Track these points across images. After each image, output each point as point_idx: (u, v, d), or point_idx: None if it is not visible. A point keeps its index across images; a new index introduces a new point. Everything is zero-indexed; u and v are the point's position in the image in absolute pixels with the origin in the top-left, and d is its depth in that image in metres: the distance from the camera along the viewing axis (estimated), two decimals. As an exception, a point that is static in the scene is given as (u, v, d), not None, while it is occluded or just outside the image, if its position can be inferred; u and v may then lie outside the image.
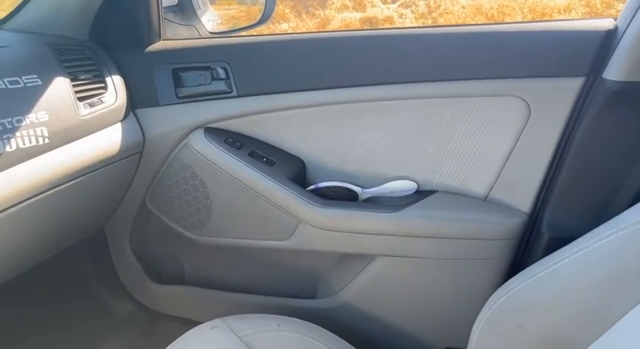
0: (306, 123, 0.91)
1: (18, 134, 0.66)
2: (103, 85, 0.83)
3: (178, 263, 1.11)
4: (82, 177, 0.79)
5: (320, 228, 0.89)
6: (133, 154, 0.90)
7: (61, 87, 0.75)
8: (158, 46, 0.93)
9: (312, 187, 0.93)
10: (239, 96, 0.90)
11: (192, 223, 0.98)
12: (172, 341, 0.77)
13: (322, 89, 0.88)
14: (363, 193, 0.93)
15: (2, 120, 0.65)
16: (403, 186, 0.91)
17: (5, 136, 0.64)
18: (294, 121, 0.92)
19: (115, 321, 1.14)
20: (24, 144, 0.67)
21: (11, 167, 0.66)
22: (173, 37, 1.02)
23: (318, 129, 0.91)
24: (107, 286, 1.14)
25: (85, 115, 0.78)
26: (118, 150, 0.84)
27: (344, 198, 0.93)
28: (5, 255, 0.74)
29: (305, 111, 0.90)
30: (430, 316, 0.95)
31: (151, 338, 1.13)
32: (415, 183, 0.91)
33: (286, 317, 0.83)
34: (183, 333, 0.78)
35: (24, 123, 0.67)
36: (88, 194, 0.84)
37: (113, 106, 0.84)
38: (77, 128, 0.76)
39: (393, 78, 0.85)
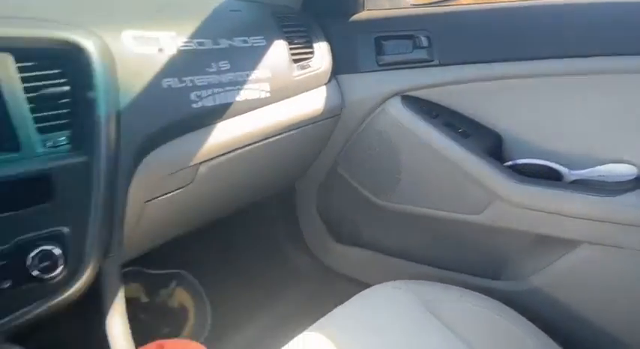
0: (508, 96, 0.86)
1: (247, 87, 0.74)
2: (312, 50, 0.89)
3: (358, 226, 1.15)
4: (287, 133, 0.86)
5: (517, 205, 0.84)
6: (332, 116, 0.95)
7: (281, 49, 0.82)
8: (362, 15, 0.96)
9: (509, 163, 0.88)
10: (440, 64, 0.89)
11: (381, 188, 1.00)
12: (346, 299, 0.79)
13: (528, 60, 0.82)
14: (570, 174, 0.84)
15: (235, 73, 0.73)
16: (620, 170, 0.81)
17: (237, 87, 0.73)
18: (494, 93, 0.87)
19: (295, 273, 1.23)
20: (251, 96, 0.75)
21: (239, 115, 0.74)
22: (375, 7, 1.04)
23: (521, 103, 0.86)
24: (291, 241, 1.23)
25: (297, 76, 0.84)
26: (320, 111, 0.90)
27: (545, 177, 0.85)
28: (220, 195, 0.85)
29: (507, 83, 0.85)
30: (637, 316, 0.83)
31: (328, 294, 1.19)
32: (635, 168, 0.80)
33: (469, 290, 0.80)
34: (357, 292, 0.80)
35: (252, 78, 0.75)
36: (289, 149, 0.92)
37: (319, 70, 0.89)
38: (291, 87, 0.83)
39: (610, 49, 0.76)
